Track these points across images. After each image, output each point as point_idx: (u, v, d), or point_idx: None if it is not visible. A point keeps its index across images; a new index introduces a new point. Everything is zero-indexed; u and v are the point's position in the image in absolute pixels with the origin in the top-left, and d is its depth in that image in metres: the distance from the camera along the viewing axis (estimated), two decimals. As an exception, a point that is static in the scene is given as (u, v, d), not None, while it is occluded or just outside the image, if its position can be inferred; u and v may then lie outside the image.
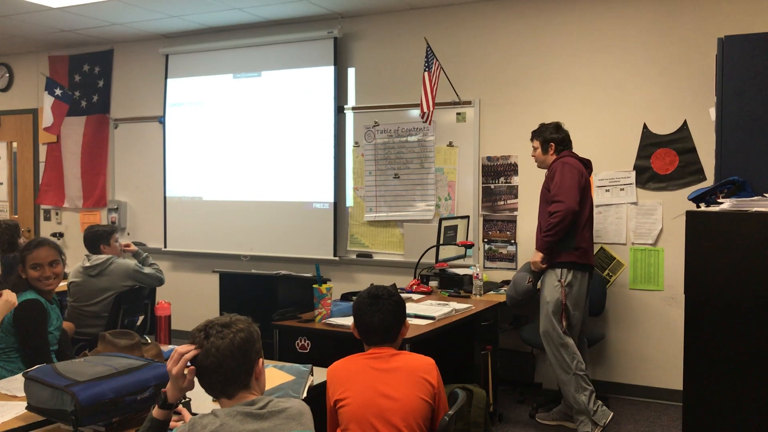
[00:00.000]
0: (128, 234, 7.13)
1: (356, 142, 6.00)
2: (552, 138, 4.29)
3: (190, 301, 6.34)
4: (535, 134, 4.38)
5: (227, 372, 1.82)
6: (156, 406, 1.91)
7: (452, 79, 5.46)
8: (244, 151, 6.44)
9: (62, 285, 4.64)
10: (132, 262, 4.53)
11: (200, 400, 2.11)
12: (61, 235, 7.47)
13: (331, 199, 6.02)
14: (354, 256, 6.02)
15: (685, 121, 4.85)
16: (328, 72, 6.00)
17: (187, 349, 1.87)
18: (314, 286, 3.61)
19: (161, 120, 6.85)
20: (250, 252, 6.40)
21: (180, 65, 6.74)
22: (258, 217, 6.38)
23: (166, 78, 6.79)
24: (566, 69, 5.21)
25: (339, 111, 6.02)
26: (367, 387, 2.35)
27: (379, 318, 2.51)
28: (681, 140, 4.87)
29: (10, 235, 4.70)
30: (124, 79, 7.15)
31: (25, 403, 2.17)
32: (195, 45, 6.62)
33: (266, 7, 5.75)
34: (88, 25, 6.43)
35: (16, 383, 2.46)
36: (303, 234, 6.15)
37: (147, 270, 4.54)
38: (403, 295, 4.30)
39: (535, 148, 4.39)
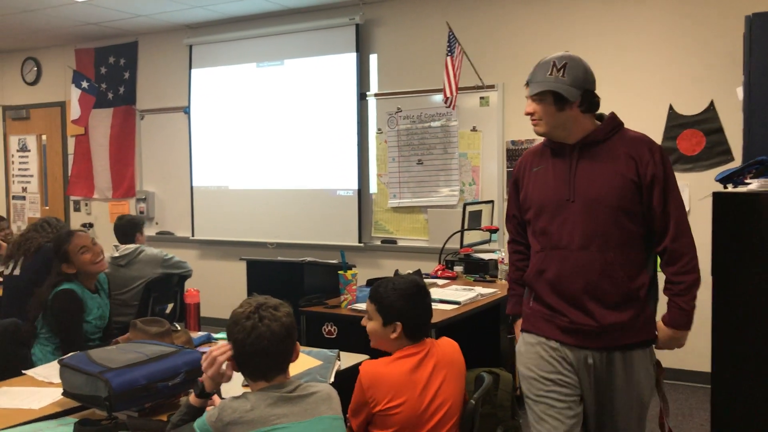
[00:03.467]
0: (156, 224, 7.23)
1: (379, 129, 6.00)
2: (593, 88, 2.31)
3: (218, 288, 6.42)
4: (576, 79, 2.25)
5: (278, 355, 1.82)
6: (193, 395, 1.94)
7: (475, 64, 5.43)
8: (269, 140, 6.48)
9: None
10: (159, 251, 4.60)
11: (230, 383, 2.14)
12: (90, 225, 7.60)
13: (355, 186, 6.04)
14: (379, 243, 6.04)
15: (711, 102, 4.78)
16: (351, 59, 6.00)
17: (222, 351, 1.87)
18: (339, 272, 3.64)
19: (186, 110, 6.92)
20: (276, 240, 6.45)
21: (204, 55, 6.78)
22: (283, 205, 6.43)
23: (190, 68, 6.84)
24: (589, 50, 5.14)
25: (361, 98, 6.03)
26: (417, 395, 2.27)
27: (430, 313, 2.42)
28: (708, 121, 4.80)
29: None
30: (149, 71, 7.22)
31: (61, 389, 2.23)
32: (218, 35, 6.66)
33: (288, -5, 5.77)
34: (112, 18, 6.50)
35: (52, 370, 2.52)
36: (328, 221, 6.19)
37: (177, 259, 4.62)
38: (428, 281, 4.34)
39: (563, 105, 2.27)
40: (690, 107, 4.85)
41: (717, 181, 3.35)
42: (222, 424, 1.76)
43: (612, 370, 2.31)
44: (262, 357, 1.81)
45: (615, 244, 2.27)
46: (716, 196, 2.78)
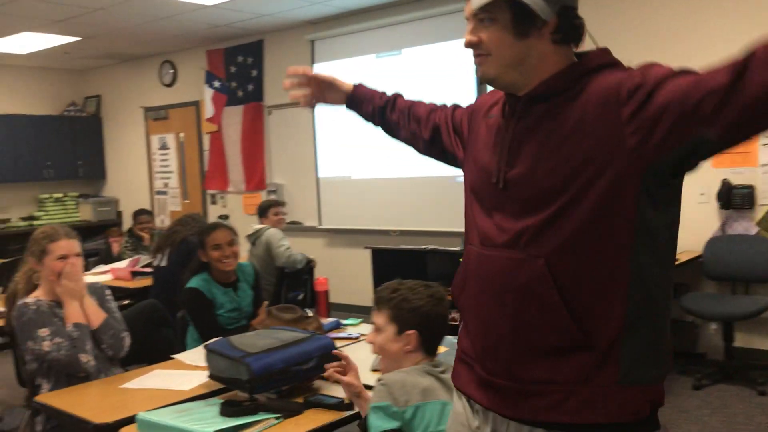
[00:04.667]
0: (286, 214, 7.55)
1: (499, 113, 5.94)
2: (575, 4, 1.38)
3: (345, 275, 6.63)
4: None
5: (447, 325, 2.03)
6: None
7: (593, 33, 5.24)
8: (389, 129, 6.59)
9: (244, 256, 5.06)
10: (276, 240, 4.90)
11: (360, 367, 2.23)
12: (226, 217, 8.05)
13: (476, 172, 6.03)
14: (501, 228, 6.00)
15: None
16: (468, 44, 5.97)
17: (337, 373, 2.12)
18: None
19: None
20: (399, 227, 6.56)
21: (325, 49, 6.98)
22: (404, 193, 6.52)
23: (312, 63, 7.06)
24: (712, 5, 4.84)
25: (480, 82, 5.99)
26: None
27: None
28: None
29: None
30: (275, 67, 7.51)
31: (207, 373, 2.42)
32: (338, 29, 6.82)
33: (404, -15, 5.83)
34: (239, 19, 6.82)
35: (198, 354, 2.73)
36: (448, 207, 6.21)
37: (283, 249, 4.84)
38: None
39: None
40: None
41: None
42: (397, 395, 1.86)
43: None
44: (444, 325, 2.05)
45: (560, 244, 1.28)
46: None
